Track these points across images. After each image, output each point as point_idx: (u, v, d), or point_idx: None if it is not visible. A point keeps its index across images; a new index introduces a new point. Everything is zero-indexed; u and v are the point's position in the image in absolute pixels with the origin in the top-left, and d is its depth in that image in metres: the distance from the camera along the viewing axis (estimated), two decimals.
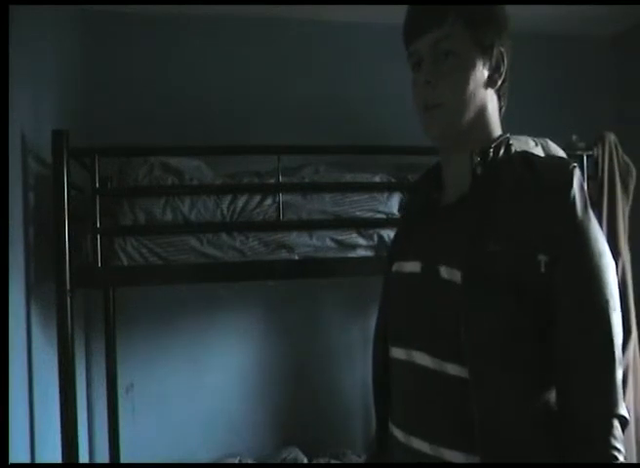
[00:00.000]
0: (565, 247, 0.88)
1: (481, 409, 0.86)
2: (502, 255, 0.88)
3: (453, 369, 0.90)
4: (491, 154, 0.97)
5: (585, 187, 0.93)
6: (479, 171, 0.96)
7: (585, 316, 0.87)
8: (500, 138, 1.00)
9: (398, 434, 1.00)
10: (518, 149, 1.01)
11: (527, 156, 0.99)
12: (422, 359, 0.95)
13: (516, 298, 0.87)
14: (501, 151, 0.98)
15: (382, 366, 1.07)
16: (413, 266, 1.00)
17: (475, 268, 0.88)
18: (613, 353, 0.86)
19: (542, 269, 0.87)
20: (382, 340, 1.07)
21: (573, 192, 0.89)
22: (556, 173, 0.93)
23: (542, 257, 0.87)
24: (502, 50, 0.99)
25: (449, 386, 0.91)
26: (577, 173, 0.92)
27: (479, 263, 0.88)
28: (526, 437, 0.88)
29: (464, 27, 0.94)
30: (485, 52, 0.96)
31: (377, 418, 1.11)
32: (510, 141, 1.00)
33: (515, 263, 0.88)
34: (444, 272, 0.92)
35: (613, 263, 0.90)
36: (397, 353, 1.01)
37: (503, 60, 0.99)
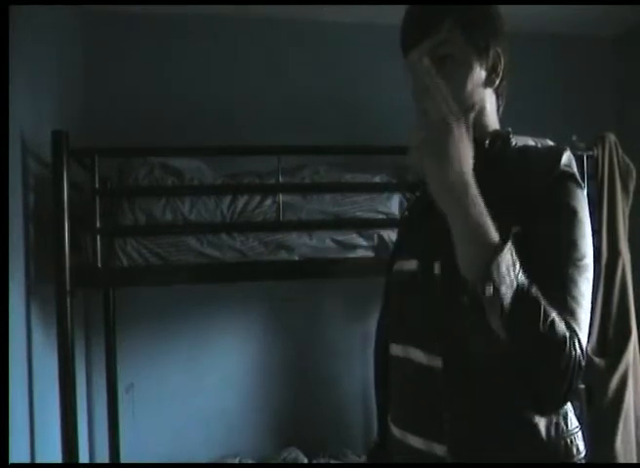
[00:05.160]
0: (540, 217, 0.86)
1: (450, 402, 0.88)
2: None
3: None
4: (486, 146, 0.97)
5: (575, 167, 0.92)
6: None
7: (554, 281, 0.83)
8: (497, 132, 1.00)
9: (395, 431, 1.01)
10: (520, 144, 1.00)
11: (524, 149, 0.99)
12: (417, 355, 0.95)
13: None
14: (498, 144, 0.98)
15: (384, 363, 1.08)
16: (410, 264, 1.00)
17: (451, 259, 0.84)
18: (579, 321, 0.83)
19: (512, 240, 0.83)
20: (384, 338, 1.08)
21: (557, 169, 0.89)
22: (545, 156, 0.93)
23: (515, 229, 0.83)
24: (499, 50, 0.99)
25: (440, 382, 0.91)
26: (566, 153, 0.92)
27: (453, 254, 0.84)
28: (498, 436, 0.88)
29: (460, 31, 0.95)
30: (481, 53, 0.97)
31: (378, 416, 1.12)
32: (510, 136, 1.00)
33: None
34: (437, 268, 0.93)
35: (589, 237, 0.88)
36: (395, 350, 1.02)
37: (500, 60, 0.99)
